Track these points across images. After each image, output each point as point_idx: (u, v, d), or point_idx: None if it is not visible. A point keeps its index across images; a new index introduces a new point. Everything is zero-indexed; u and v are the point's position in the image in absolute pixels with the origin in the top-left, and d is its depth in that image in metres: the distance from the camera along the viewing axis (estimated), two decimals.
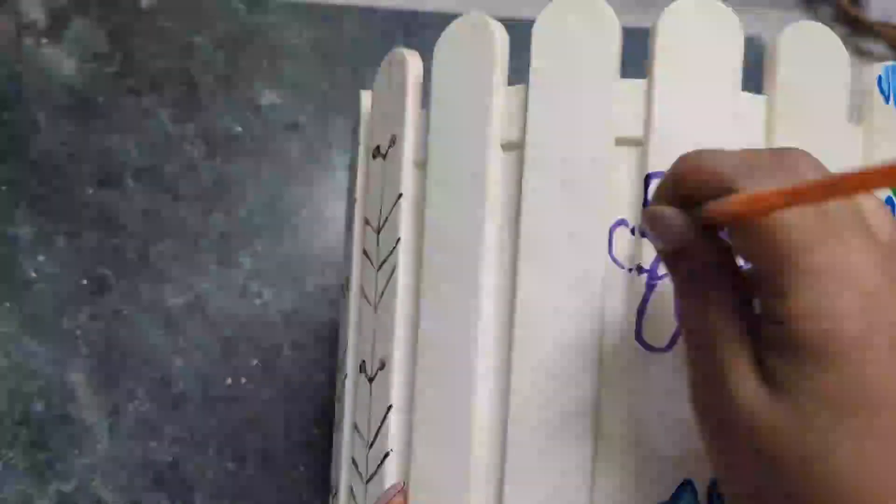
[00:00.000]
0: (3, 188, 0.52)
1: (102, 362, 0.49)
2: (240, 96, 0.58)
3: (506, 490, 0.29)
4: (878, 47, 0.71)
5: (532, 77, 0.30)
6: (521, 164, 0.30)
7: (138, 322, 0.50)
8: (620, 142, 0.29)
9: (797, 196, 0.20)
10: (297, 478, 0.48)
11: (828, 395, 0.20)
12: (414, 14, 0.62)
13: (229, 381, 0.50)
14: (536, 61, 0.30)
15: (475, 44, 0.32)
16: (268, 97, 0.58)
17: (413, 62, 0.34)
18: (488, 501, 0.30)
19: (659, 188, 0.25)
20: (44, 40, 0.57)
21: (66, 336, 0.49)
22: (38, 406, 0.47)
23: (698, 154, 0.24)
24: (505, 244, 0.30)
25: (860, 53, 0.70)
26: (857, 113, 0.32)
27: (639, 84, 0.30)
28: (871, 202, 0.24)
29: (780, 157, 0.23)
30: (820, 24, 0.31)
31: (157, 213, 0.53)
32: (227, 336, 0.51)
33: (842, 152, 0.30)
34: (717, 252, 0.24)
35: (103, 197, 0.53)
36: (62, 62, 0.57)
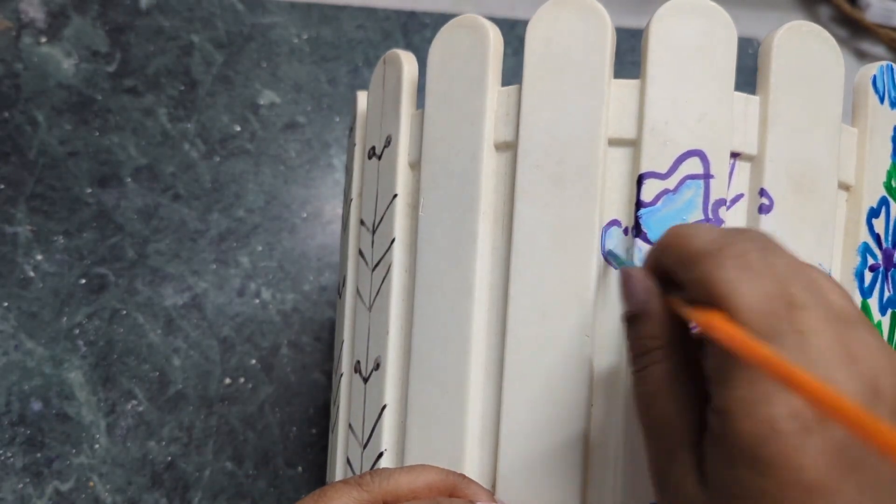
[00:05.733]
0: (2, 187, 0.52)
1: (101, 361, 0.49)
2: (239, 96, 0.58)
3: (498, 490, 0.29)
4: (877, 49, 0.71)
5: (525, 77, 0.30)
6: (514, 164, 0.30)
7: (137, 321, 0.50)
8: (614, 142, 0.29)
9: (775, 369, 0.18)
10: (295, 477, 0.48)
11: (762, 501, 0.19)
12: (412, 14, 0.62)
13: (228, 380, 0.50)
14: (529, 62, 0.30)
15: (469, 45, 0.32)
16: (267, 97, 0.58)
17: (408, 63, 0.34)
18: None
19: (647, 254, 0.25)
20: (43, 39, 0.57)
21: (64, 335, 0.49)
22: (37, 405, 0.47)
23: (679, 228, 0.24)
24: (498, 244, 0.30)
25: (859, 55, 0.70)
26: (852, 113, 0.32)
27: (632, 84, 0.29)
28: (828, 282, 0.22)
29: (743, 237, 0.22)
30: (814, 24, 0.31)
31: (155, 212, 0.53)
32: (225, 335, 0.51)
33: (836, 153, 0.30)
34: (675, 327, 0.23)
35: (102, 196, 0.53)
36: (61, 61, 0.57)
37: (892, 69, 0.33)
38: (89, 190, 0.53)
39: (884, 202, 0.31)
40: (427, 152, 0.32)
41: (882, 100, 0.32)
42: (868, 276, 0.31)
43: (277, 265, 0.53)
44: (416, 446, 0.31)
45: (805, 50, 0.30)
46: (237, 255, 0.53)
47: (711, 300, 0.21)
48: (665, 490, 0.23)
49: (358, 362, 0.36)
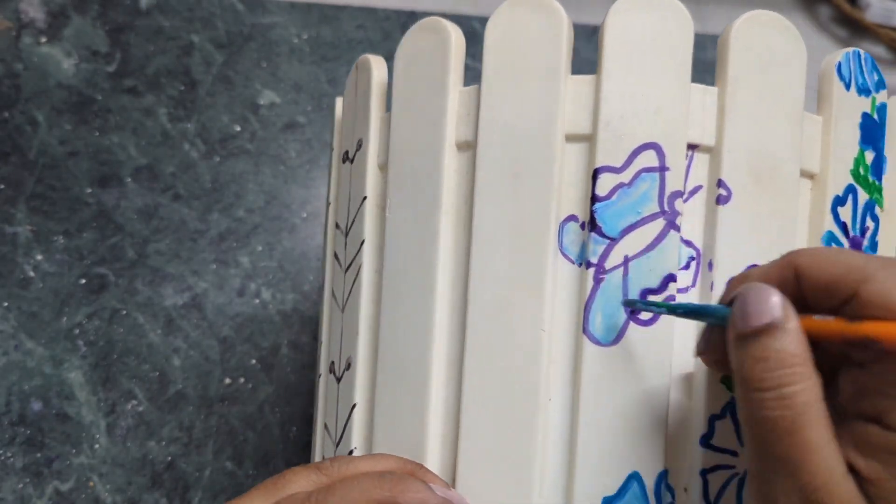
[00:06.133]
0: (2, 187, 0.52)
1: (101, 361, 0.49)
2: (239, 96, 0.58)
3: (458, 484, 0.29)
4: (877, 49, 0.71)
5: (483, 77, 0.31)
6: (474, 163, 0.30)
7: (136, 321, 0.50)
8: (570, 138, 0.29)
9: None
10: None
11: None
12: (412, 14, 0.62)
13: (228, 380, 0.50)
14: (488, 61, 0.30)
15: (431, 47, 0.32)
16: (267, 97, 0.58)
17: (377, 68, 0.35)
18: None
19: (754, 274, 0.24)
20: (43, 39, 0.57)
21: (64, 335, 0.49)
22: (37, 405, 0.47)
23: (814, 252, 0.23)
24: (459, 242, 0.31)
25: None
26: (817, 101, 0.32)
27: (588, 80, 0.30)
28: None
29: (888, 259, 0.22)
30: (774, 13, 0.30)
31: (155, 212, 0.53)
32: (225, 335, 0.51)
33: (798, 142, 0.30)
34: (806, 340, 0.22)
35: (102, 196, 0.53)
36: (61, 61, 0.57)
37: (858, 56, 0.32)
38: (89, 190, 0.53)
39: (850, 190, 0.31)
40: (393, 154, 0.33)
41: (848, 87, 0.32)
42: None
43: (277, 265, 0.53)
44: (382, 443, 0.31)
45: (764, 40, 0.30)
46: (237, 255, 0.53)
47: (891, 314, 0.21)
48: (790, 493, 0.21)
49: (332, 363, 0.36)
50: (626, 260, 0.28)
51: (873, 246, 0.32)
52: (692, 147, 0.29)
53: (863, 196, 0.31)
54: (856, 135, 0.32)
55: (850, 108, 0.32)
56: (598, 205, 0.29)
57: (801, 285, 0.23)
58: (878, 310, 0.21)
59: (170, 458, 0.47)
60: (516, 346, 0.29)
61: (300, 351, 0.51)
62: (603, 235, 0.28)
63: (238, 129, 0.57)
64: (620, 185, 0.29)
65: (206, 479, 0.47)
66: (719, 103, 0.29)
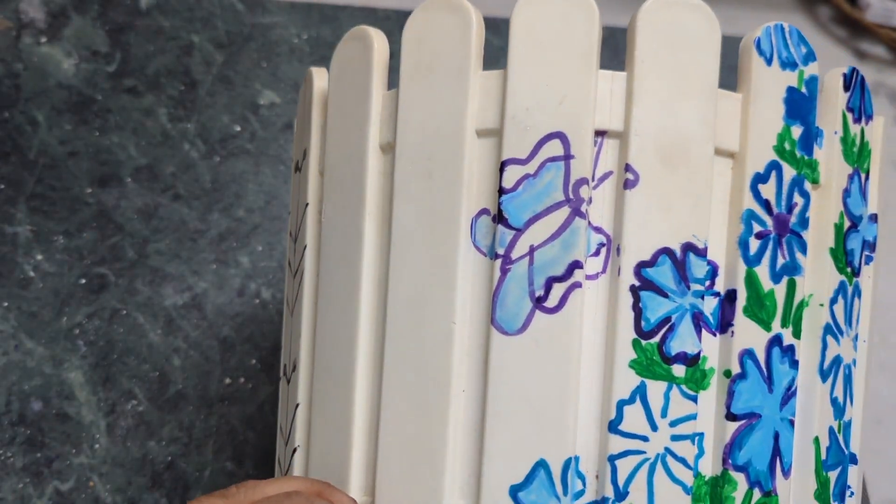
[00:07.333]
0: (2, 187, 0.52)
1: (101, 361, 0.49)
2: (239, 96, 0.58)
3: (377, 478, 0.30)
4: (877, 49, 0.71)
5: (401, 79, 0.31)
6: (394, 163, 0.31)
7: (137, 321, 0.50)
8: (481, 134, 0.30)
9: None
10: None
11: None
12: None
13: (228, 380, 0.50)
14: (404, 63, 0.31)
15: (358, 54, 0.33)
16: (267, 97, 0.58)
17: (319, 79, 0.36)
18: (365, 486, 0.31)
19: None
20: (43, 39, 0.57)
21: (64, 335, 0.49)
22: (37, 405, 0.47)
23: None
24: (382, 242, 0.31)
25: (860, 55, 0.70)
26: (738, 78, 0.32)
27: (497, 75, 0.30)
28: None
29: None
30: None
31: (155, 212, 0.53)
32: (225, 335, 0.51)
33: (712, 121, 0.30)
34: None
35: (102, 196, 0.53)
36: (61, 61, 0.57)
37: (781, 29, 0.32)
38: (89, 190, 0.53)
39: (773, 166, 0.31)
40: (328, 159, 0.34)
41: (770, 62, 0.31)
42: (754, 243, 0.30)
43: (277, 265, 0.53)
44: (318, 441, 0.32)
45: (673, 21, 0.30)
46: (237, 255, 0.53)
47: None
48: None
49: (285, 365, 0.37)
50: (532, 249, 0.29)
51: (803, 222, 0.31)
52: (601, 133, 0.30)
53: (789, 172, 0.31)
54: (780, 110, 0.31)
55: (773, 82, 0.31)
56: (504, 197, 0.29)
57: None
58: None
59: (170, 458, 0.47)
60: (429, 340, 0.29)
61: None
62: (509, 227, 0.29)
63: (238, 129, 0.57)
64: (526, 177, 0.29)
65: (206, 479, 0.47)
66: (627, 88, 0.30)
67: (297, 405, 0.34)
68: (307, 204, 0.35)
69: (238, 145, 0.56)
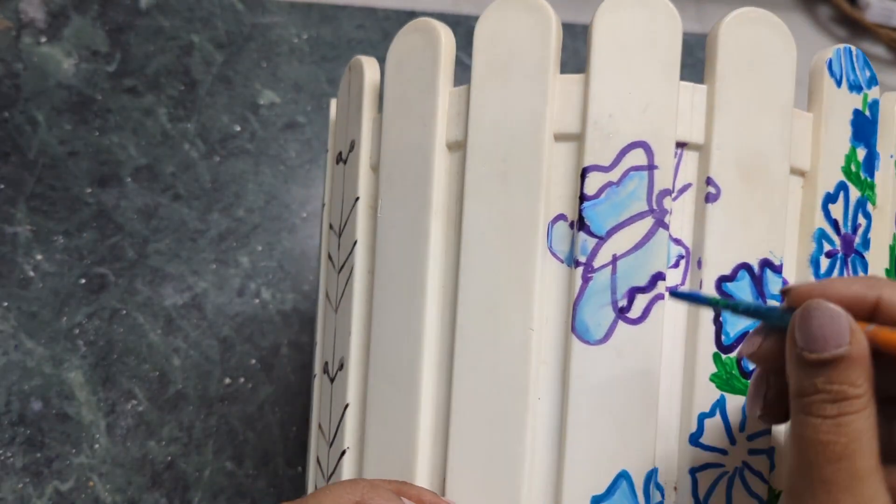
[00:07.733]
0: (2, 187, 0.52)
1: (100, 361, 0.49)
2: (239, 96, 0.58)
3: (447, 483, 0.29)
4: (877, 49, 0.71)
5: (473, 77, 0.31)
6: (464, 163, 0.30)
7: (136, 321, 0.50)
8: (559, 137, 0.29)
9: None
10: (295, 477, 0.48)
11: None
12: (412, 14, 0.62)
13: (228, 380, 0.50)
14: (477, 61, 0.30)
15: (421, 47, 0.32)
16: (267, 97, 0.58)
17: (369, 69, 0.35)
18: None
19: (831, 290, 0.23)
20: (43, 39, 0.57)
21: (64, 335, 0.49)
22: (37, 405, 0.47)
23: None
24: (449, 242, 0.31)
25: None
26: (808, 98, 0.32)
27: (577, 79, 0.30)
28: None
29: None
30: (763, 10, 0.30)
31: (155, 212, 0.53)
32: (225, 335, 0.51)
33: (788, 139, 0.30)
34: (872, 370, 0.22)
35: (102, 196, 0.53)
36: (61, 61, 0.57)
37: (849, 52, 0.32)
38: (89, 190, 0.53)
39: (841, 187, 0.31)
40: (385, 154, 0.33)
41: (839, 83, 0.32)
42: (825, 262, 0.30)
43: (277, 265, 0.53)
44: (373, 443, 0.32)
45: (753, 37, 0.30)
46: (237, 255, 0.53)
47: None
48: None
49: (326, 363, 0.36)
50: (615, 258, 0.29)
51: (865, 243, 0.31)
52: (681, 145, 0.29)
53: (854, 193, 0.31)
54: (847, 132, 0.31)
55: (842, 105, 0.32)
56: (586, 204, 0.29)
57: (878, 315, 0.23)
58: None
59: (170, 458, 0.47)
60: (505, 346, 0.29)
61: (300, 351, 0.51)
62: (591, 234, 0.29)
63: (238, 129, 0.57)
64: (609, 184, 0.29)
65: (206, 479, 0.47)
66: (708, 101, 0.29)
67: (347, 405, 0.33)
68: (357, 198, 0.34)
69: (238, 145, 0.56)
